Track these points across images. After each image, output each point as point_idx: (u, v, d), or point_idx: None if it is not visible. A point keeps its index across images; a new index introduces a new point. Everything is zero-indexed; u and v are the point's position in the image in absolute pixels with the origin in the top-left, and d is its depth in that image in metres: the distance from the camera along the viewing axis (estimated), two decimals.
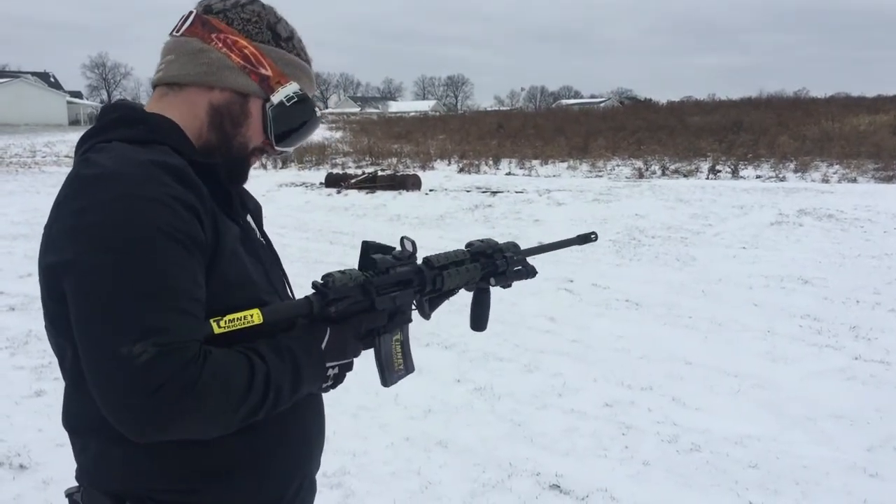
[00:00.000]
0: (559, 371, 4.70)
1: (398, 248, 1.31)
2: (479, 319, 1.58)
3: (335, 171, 19.36)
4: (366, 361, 1.31)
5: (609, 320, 5.92)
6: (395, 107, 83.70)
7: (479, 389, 4.39)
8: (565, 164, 21.18)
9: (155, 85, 1.21)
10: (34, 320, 5.62)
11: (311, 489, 1.32)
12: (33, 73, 70.66)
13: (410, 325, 1.36)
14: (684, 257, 8.39)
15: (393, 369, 1.33)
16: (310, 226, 11.06)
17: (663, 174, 18.12)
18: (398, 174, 16.85)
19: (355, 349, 1.21)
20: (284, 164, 22.68)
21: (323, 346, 1.14)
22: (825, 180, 15.80)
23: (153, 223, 0.97)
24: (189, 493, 1.10)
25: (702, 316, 5.99)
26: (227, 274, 1.09)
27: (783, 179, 16.25)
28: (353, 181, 15.49)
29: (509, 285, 1.55)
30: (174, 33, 1.20)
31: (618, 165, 20.41)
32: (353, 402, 4.00)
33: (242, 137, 1.21)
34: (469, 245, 1.49)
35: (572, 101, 77.67)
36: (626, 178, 17.47)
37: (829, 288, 6.91)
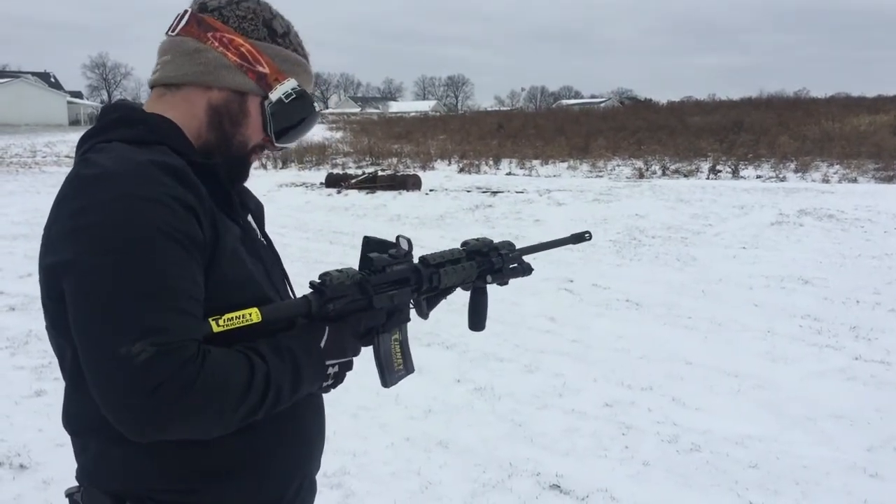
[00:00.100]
0: (559, 371, 4.70)
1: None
2: (476, 320, 1.59)
3: (335, 171, 19.36)
4: (366, 361, 1.31)
5: (609, 320, 5.92)
6: (395, 107, 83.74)
7: (479, 389, 4.40)
8: (566, 165, 21.18)
9: (152, 85, 1.21)
10: (34, 320, 5.62)
11: (312, 489, 1.32)
12: (34, 73, 70.71)
13: (409, 325, 1.36)
14: (684, 257, 8.39)
15: (393, 369, 1.32)
16: (310, 226, 11.06)
17: (664, 174, 18.12)
18: (398, 174, 16.85)
19: (355, 348, 1.21)
20: (285, 165, 22.69)
21: (322, 344, 1.14)
22: (825, 180, 15.81)
23: (152, 223, 0.98)
24: (189, 493, 1.10)
25: (702, 316, 6.00)
26: (226, 273, 1.09)
27: (783, 179, 16.25)
28: (353, 181, 15.49)
29: (506, 283, 1.55)
30: (170, 33, 1.19)
31: (618, 165, 20.42)
32: (354, 402, 4.00)
33: (242, 136, 1.20)
34: (465, 244, 1.50)
35: (572, 101, 77.69)
36: (627, 178, 17.47)
37: (829, 288, 6.91)
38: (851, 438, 3.73)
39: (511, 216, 11.66)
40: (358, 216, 12.19)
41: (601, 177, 18.06)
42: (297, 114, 1.22)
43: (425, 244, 9.18)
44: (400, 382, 1.36)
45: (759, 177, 16.92)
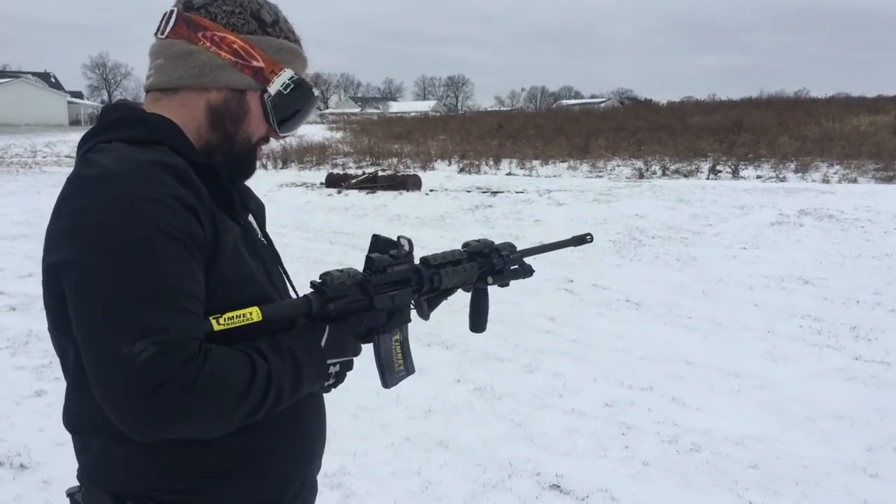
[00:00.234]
0: (559, 371, 4.70)
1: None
2: (477, 321, 1.59)
3: (336, 171, 19.36)
4: (366, 362, 1.31)
5: (609, 320, 5.92)
6: (395, 107, 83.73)
7: (479, 389, 4.40)
8: (566, 165, 21.18)
9: (148, 90, 1.20)
10: (34, 320, 5.62)
11: (313, 489, 1.32)
12: (34, 74, 70.73)
13: (410, 325, 1.36)
14: (685, 257, 8.39)
15: (393, 370, 1.33)
16: (310, 226, 11.06)
17: (664, 174, 18.12)
18: (398, 174, 16.85)
19: (355, 347, 1.21)
20: (285, 165, 22.70)
21: (322, 343, 1.14)
22: (825, 180, 15.81)
23: (153, 223, 0.98)
24: (189, 493, 1.11)
25: (702, 316, 6.00)
26: (227, 273, 1.09)
27: (783, 180, 16.25)
28: (353, 181, 15.49)
29: (507, 284, 1.55)
30: (159, 35, 1.18)
31: (618, 166, 20.41)
32: (354, 403, 4.00)
33: (245, 132, 1.20)
34: (466, 245, 1.50)
35: (573, 101, 77.68)
36: (627, 178, 17.47)
37: (829, 288, 6.92)
38: (851, 438, 3.73)
39: (511, 216, 11.66)
40: (358, 216, 12.19)
41: (601, 177, 18.05)
42: (297, 102, 1.22)
43: (425, 244, 9.18)
44: (400, 383, 1.36)
45: (759, 177, 16.92)
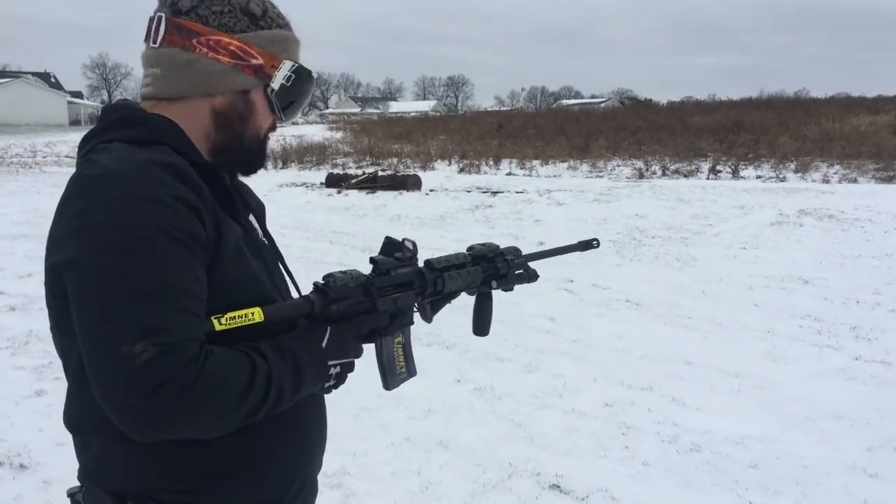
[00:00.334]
0: (559, 371, 4.70)
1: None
2: (481, 325, 1.59)
3: (336, 171, 19.35)
4: (366, 362, 1.32)
5: (609, 320, 5.92)
6: (395, 107, 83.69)
7: (479, 389, 4.40)
8: (566, 165, 21.17)
9: (147, 98, 1.18)
10: (34, 320, 5.62)
11: (313, 489, 1.32)
12: (34, 74, 70.75)
13: (412, 328, 1.36)
14: (685, 257, 8.39)
15: (395, 372, 1.33)
16: (310, 226, 11.06)
17: (664, 174, 18.11)
18: (399, 174, 16.85)
19: (356, 349, 1.21)
20: (285, 165, 22.69)
21: (324, 344, 1.14)
22: (826, 180, 15.80)
23: (153, 223, 0.98)
24: (190, 493, 1.11)
25: (702, 316, 6.00)
26: (229, 273, 1.09)
27: (784, 180, 16.25)
28: (353, 181, 15.49)
29: (511, 289, 1.55)
30: (152, 44, 1.16)
31: (618, 166, 20.41)
32: (354, 403, 4.00)
33: (253, 128, 1.21)
34: (470, 248, 1.49)
35: (573, 101, 77.68)
36: (627, 178, 17.47)
37: (829, 288, 6.92)
38: (851, 438, 3.73)
39: (511, 216, 11.66)
40: (358, 216, 12.19)
41: (601, 177, 18.05)
42: (299, 89, 1.22)
43: (426, 244, 9.18)
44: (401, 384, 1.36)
45: (759, 177, 16.91)
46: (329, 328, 1.15)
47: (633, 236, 9.71)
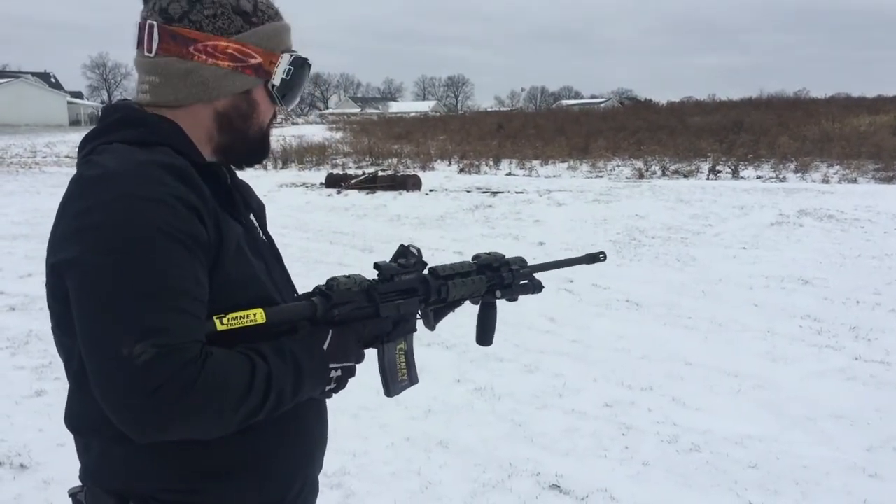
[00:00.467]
0: (559, 371, 4.71)
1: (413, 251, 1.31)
2: (484, 334, 1.59)
3: (335, 171, 19.35)
4: (367, 363, 1.31)
5: (609, 320, 5.92)
6: (395, 107, 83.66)
7: (479, 390, 4.40)
8: (565, 165, 21.17)
9: (146, 105, 1.17)
10: (34, 320, 5.62)
11: (314, 490, 1.32)
12: (34, 74, 70.75)
13: (414, 335, 1.36)
14: (684, 257, 8.39)
15: (396, 379, 1.32)
16: (310, 226, 11.06)
17: (663, 174, 18.11)
18: (398, 174, 16.85)
19: (358, 354, 1.21)
20: (285, 165, 22.69)
21: (325, 347, 1.14)
22: (825, 181, 15.80)
23: (153, 223, 0.98)
24: (190, 493, 1.11)
25: (702, 316, 6.00)
26: (230, 273, 1.09)
27: (783, 180, 16.24)
28: (353, 181, 15.49)
29: (515, 299, 1.55)
30: (147, 53, 1.14)
31: (618, 166, 20.40)
32: (354, 403, 4.00)
33: (257, 124, 1.21)
34: (476, 257, 1.49)
35: (572, 101, 77.67)
36: (627, 178, 17.47)
37: (829, 288, 6.92)
38: (851, 438, 3.74)
39: (511, 216, 11.65)
40: (358, 216, 12.19)
41: (601, 177, 18.05)
42: (299, 80, 1.23)
43: (425, 244, 9.17)
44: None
45: (759, 177, 16.91)
46: (331, 331, 1.15)
47: (633, 236, 9.71)
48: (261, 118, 1.21)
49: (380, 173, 16.80)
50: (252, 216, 1.29)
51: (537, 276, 1.60)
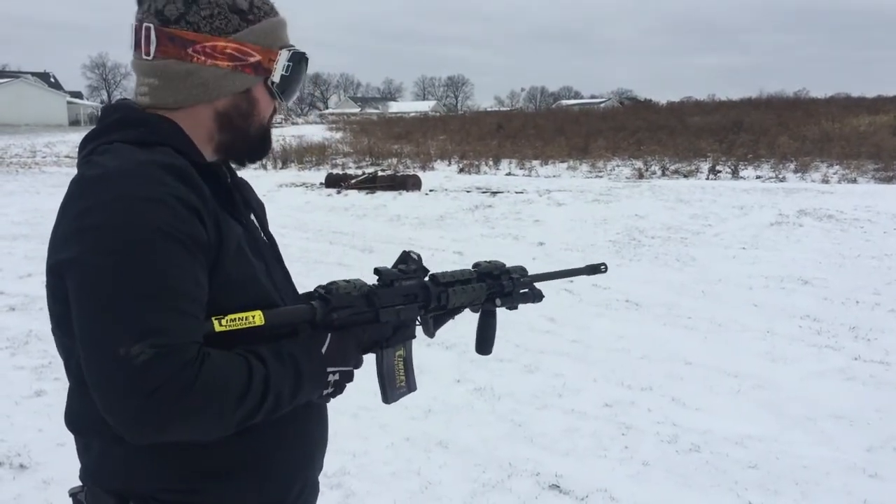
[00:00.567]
0: (559, 371, 4.71)
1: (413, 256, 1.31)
2: (484, 343, 1.59)
3: (335, 171, 19.34)
4: (368, 363, 1.32)
5: (609, 320, 5.92)
6: (395, 107, 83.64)
7: (479, 390, 4.40)
8: (565, 165, 21.17)
9: (144, 107, 1.16)
10: (34, 320, 5.62)
11: (314, 491, 1.32)
12: (33, 74, 70.73)
13: (413, 342, 1.35)
14: (684, 258, 8.39)
15: (395, 385, 1.32)
16: (310, 226, 11.06)
17: (663, 174, 18.11)
18: (398, 174, 16.85)
19: (357, 358, 1.21)
20: (284, 165, 22.69)
21: (324, 350, 1.14)
22: (825, 181, 15.80)
23: (153, 224, 0.98)
24: (190, 493, 1.11)
25: (702, 316, 6.00)
26: (230, 273, 1.09)
27: (783, 180, 16.24)
28: (353, 181, 15.49)
29: (515, 307, 1.55)
30: (144, 56, 1.13)
31: (618, 166, 20.40)
32: (354, 403, 4.00)
33: (257, 121, 1.21)
34: (476, 265, 1.49)
35: (572, 101, 77.66)
36: (626, 178, 17.47)
37: (828, 288, 6.92)
38: (851, 438, 3.74)
39: (511, 216, 11.65)
40: (358, 216, 12.19)
41: (601, 177, 18.05)
42: (298, 75, 1.22)
43: (425, 244, 9.17)
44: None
45: (758, 177, 16.91)
46: (330, 335, 1.15)
47: (633, 236, 9.71)
48: (261, 115, 1.21)
49: (379, 173, 16.80)
50: (252, 216, 1.28)
51: (537, 285, 1.60)
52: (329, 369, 1.14)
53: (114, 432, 0.98)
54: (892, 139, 20.47)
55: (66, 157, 25.30)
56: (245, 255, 1.14)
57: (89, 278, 0.96)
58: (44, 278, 1.08)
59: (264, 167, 21.53)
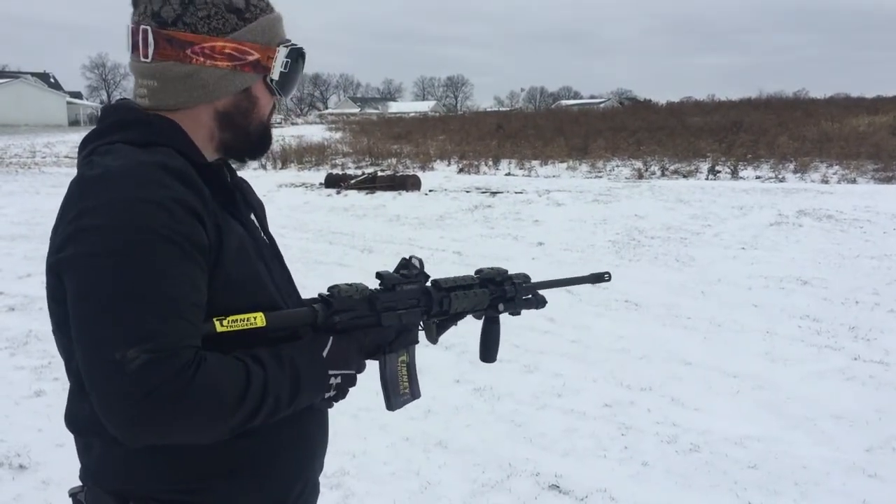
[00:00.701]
0: (559, 371, 4.71)
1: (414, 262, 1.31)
2: (488, 350, 1.58)
3: (335, 171, 19.33)
4: (369, 368, 1.31)
5: (609, 321, 5.92)
6: (394, 107, 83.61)
7: (478, 390, 4.40)
8: (565, 165, 21.16)
9: (146, 109, 1.16)
10: (34, 320, 5.62)
11: (315, 491, 1.32)
12: (33, 74, 70.68)
13: (416, 347, 1.35)
14: (684, 258, 8.39)
15: (398, 392, 1.31)
16: (309, 226, 11.06)
17: (663, 175, 18.10)
18: (398, 175, 16.84)
19: (359, 362, 1.20)
20: (284, 165, 22.68)
21: (325, 353, 1.13)
22: (825, 181, 15.80)
23: (151, 226, 0.97)
24: (191, 494, 1.11)
25: (701, 316, 6.00)
26: (230, 274, 1.09)
27: (783, 180, 16.24)
28: (352, 182, 15.49)
29: (518, 313, 1.54)
30: (143, 58, 1.12)
31: (617, 166, 20.39)
32: (354, 403, 3.99)
33: (257, 118, 1.21)
34: (478, 271, 1.49)
35: (572, 101, 77.67)
36: (626, 178, 17.46)
37: (828, 288, 6.92)
38: (851, 439, 3.74)
39: (510, 216, 11.65)
40: (357, 216, 12.19)
41: (600, 177, 18.05)
42: (296, 71, 1.22)
43: (425, 244, 9.17)
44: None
45: (758, 177, 16.90)
46: (332, 338, 1.15)
47: (633, 237, 9.71)
48: (261, 112, 1.21)
49: (379, 173, 16.80)
50: (252, 216, 1.28)
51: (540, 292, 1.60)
52: (330, 372, 1.14)
53: None
54: (891, 139, 20.47)
55: (66, 157, 25.28)
56: (246, 255, 1.14)
57: (86, 279, 0.96)
58: (43, 279, 1.08)
59: (263, 167, 21.53)
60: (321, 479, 1.36)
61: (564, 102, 76.03)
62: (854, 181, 15.57)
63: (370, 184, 15.26)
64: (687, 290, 6.92)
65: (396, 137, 30.90)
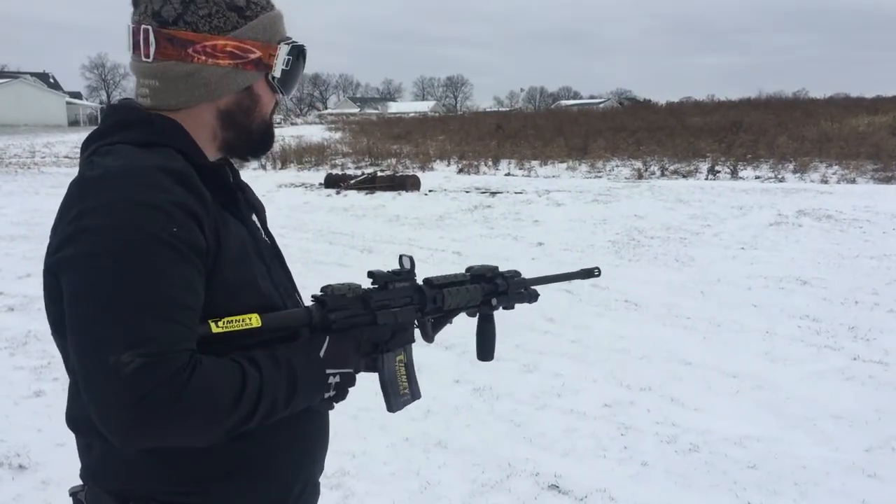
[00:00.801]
0: (559, 371, 4.71)
1: (404, 263, 1.31)
2: (485, 349, 1.59)
3: (334, 171, 19.33)
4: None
5: (608, 321, 5.92)
6: (394, 107, 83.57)
7: (478, 390, 4.40)
8: (564, 165, 21.16)
9: (147, 108, 1.16)
10: (34, 320, 5.62)
11: (315, 492, 1.31)
12: (33, 74, 70.70)
13: (413, 347, 1.35)
14: (683, 258, 8.39)
15: (398, 393, 1.31)
16: (309, 226, 11.06)
17: (662, 175, 18.10)
18: (397, 175, 16.84)
19: (357, 361, 1.20)
20: (284, 165, 22.68)
21: (321, 353, 1.13)
22: (824, 181, 15.80)
23: (149, 229, 0.97)
24: (191, 494, 1.10)
25: (701, 316, 6.00)
26: (229, 277, 1.08)
27: (782, 180, 16.25)
28: (352, 182, 15.49)
29: (511, 307, 1.55)
30: (144, 58, 1.12)
31: (617, 166, 20.39)
32: (353, 403, 3.99)
33: (259, 116, 1.21)
34: (469, 269, 1.50)
35: (571, 101, 77.67)
36: (626, 178, 17.46)
37: (827, 288, 6.92)
38: (850, 439, 3.74)
39: (510, 217, 11.65)
40: (357, 217, 12.19)
41: (600, 177, 18.05)
42: (298, 68, 1.22)
43: (425, 244, 9.17)
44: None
45: (757, 177, 16.91)
46: (328, 337, 1.15)
47: (632, 237, 9.72)
48: (263, 110, 1.21)
49: (379, 174, 16.80)
50: (254, 216, 1.28)
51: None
52: (328, 371, 1.13)
53: None
54: (890, 139, 20.47)
55: (66, 157, 25.25)
56: (247, 255, 1.14)
57: (86, 279, 0.96)
58: (42, 279, 1.08)
59: (263, 167, 21.53)
60: (321, 479, 1.36)
61: (564, 102, 76.03)
62: (853, 181, 15.57)
63: (370, 184, 15.26)
64: (687, 290, 6.92)
65: (396, 138, 30.89)
